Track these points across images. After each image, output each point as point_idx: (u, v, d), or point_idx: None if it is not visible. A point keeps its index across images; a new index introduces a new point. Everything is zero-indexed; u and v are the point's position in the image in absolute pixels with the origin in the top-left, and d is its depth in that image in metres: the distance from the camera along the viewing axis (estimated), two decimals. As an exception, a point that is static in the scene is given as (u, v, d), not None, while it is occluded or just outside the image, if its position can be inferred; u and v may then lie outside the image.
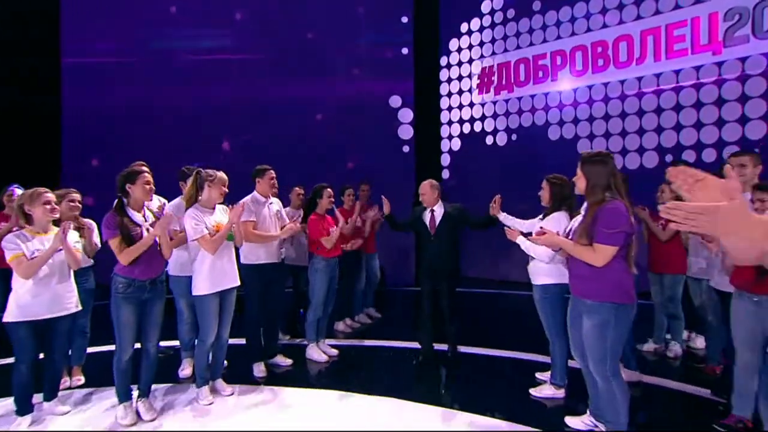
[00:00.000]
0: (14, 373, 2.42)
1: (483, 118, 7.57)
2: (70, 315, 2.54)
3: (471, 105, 7.70)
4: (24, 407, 2.47)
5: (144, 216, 2.59)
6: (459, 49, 7.84)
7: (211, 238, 2.68)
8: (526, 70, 7.12)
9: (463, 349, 3.65)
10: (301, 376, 3.32)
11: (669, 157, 5.52)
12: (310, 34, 7.45)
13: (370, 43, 7.54)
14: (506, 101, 7.32)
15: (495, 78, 7.47)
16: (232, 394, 2.95)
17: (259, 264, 3.20)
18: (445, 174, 7.93)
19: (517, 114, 7.21)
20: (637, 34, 5.91)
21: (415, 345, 3.66)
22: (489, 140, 7.49)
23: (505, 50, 7.34)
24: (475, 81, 7.66)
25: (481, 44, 7.60)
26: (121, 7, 7.13)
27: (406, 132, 7.56)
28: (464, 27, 7.74)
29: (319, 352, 3.59)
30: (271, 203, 3.40)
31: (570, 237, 2.21)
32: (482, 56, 7.59)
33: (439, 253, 3.52)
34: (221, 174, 2.87)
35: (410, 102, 7.55)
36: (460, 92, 7.83)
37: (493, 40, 7.46)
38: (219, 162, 6.74)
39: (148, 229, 2.53)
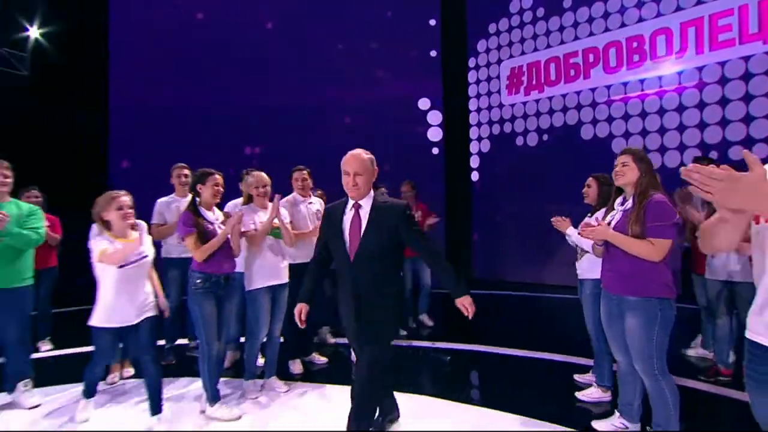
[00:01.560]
0: (88, 370, 2.50)
1: (513, 119, 7.47)
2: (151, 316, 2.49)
3: (500, 106, 7.62)
4: (91, 393, 2.59)
5: (215, 215, 2.70)
6: (487, 50, 7.78)
7: (252, 235, 2.76)
8: (557, 69, 7.00)
9: (503, 351, 3.59)
10: (336, 372, 3.34)
11: (714, 154, 5.27)
12: (340, 43, 7.59)
13: (398, 46, 7.60)
14: (536, 101, 7.20)
15: (525, 78, 7.37)
16: (288, 391, 2.99)
17: (295, 264, 3.24)
18: (475, 176, 7.86)
19: (548, 114, 7.08)
20: (677, 26, 5.70)
21: (464, 347, 3.62)
22: (519, 141, 7.38)
23: (535, 49, 7.24)
24: (504, 82, 7.58)
25: (510, 44, 7.53)
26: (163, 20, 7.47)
27: (435, 134, 7.57)
28: (492, 28, 7.69)
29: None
30: (310, 203, 3.46)
31: (615, 229, 2.13)
32: (511, 56, 7.52)
33: (358, 292, 2.86)
34: (258, 174, 2.94)
35: (439, 104, 7.56)
36: (489, 93, 7.77)
37: (522, 40, 7.38)
38: (250, 165, 6.96)
39: (220, 227, 2.62)
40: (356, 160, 2.04)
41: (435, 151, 7.56)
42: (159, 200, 3.57)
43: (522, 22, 7.29)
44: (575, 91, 6.81)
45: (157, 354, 2.48)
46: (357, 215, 2.06)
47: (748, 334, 1.15)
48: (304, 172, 3.46)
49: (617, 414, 2.38)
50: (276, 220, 2.82)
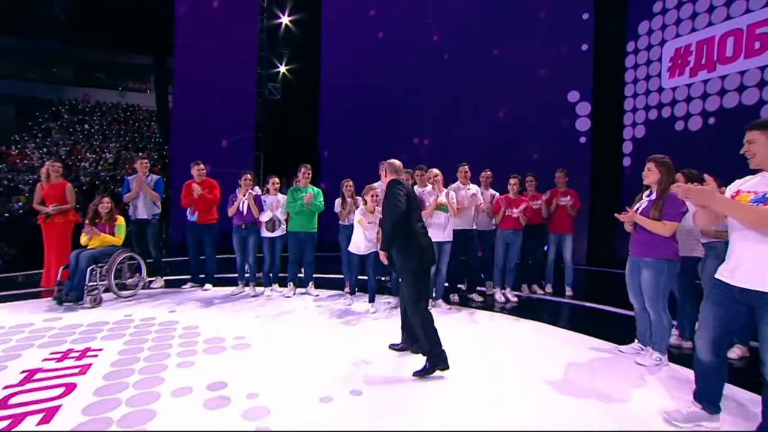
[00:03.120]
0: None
1: (673, 103, 7.07)
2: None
3: (660, 90, 7.28)
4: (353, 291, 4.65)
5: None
6: (649, 32, 7.49)
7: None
8: (736, 44, 6.34)
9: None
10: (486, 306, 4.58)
11: None
12: (497, 43, 8.54)
13: (550, 43, 8.09)
14: (704, 82, 6.67)
15: (692, 58, 6.88)
16: (450, 309, 4.36)
17: (456, 229, 4.43)
18: (627, 161, 7.74)
19: (717, 95, 6.50)
20: None
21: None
22: (679, 125, 6.97)
23: (710, 24, 6.68)
24: (667, 64, 7.20)
25: (678, 22, 7.10)
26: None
27: (583, 124, 7.83)
28: (658, 6, 7.36)
29: (500, 295, 4.73)
30: (468, 188, 4.59)
31: (641, 214, 2.90)
32: (677, 35, 7.09)
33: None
34: (431, 171, 4.28)
35: (588, 96, 7.76)
36: (648, 78, 7.48)
37: (693, 15, 6.89)
38: (421, 154, 8.75)
39: None
40: (382, 164, 3.25)
41: (582, 140, 7.82)
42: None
43: (695, -5, 6.79)
44: (759, 66, 6.09)
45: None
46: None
47: (716, 275, 2.01)
48: (466, 166, 4.66)
49: (636, 341, 3.16)
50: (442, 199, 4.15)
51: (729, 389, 2.36)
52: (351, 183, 4.69)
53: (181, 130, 8.85)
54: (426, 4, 9.09)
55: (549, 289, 5.29)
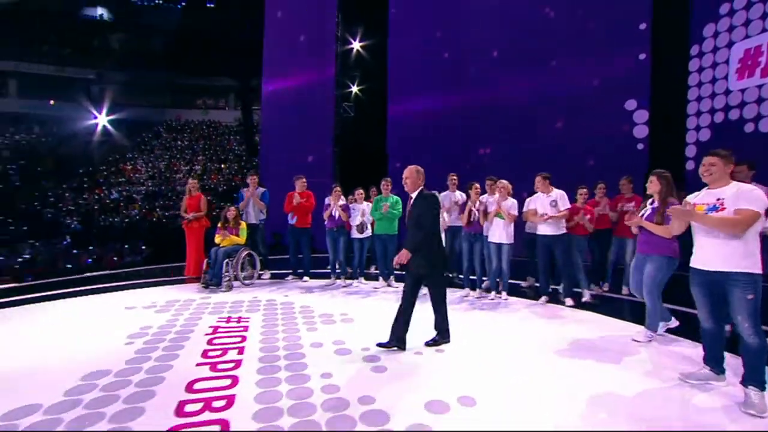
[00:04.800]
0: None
1: (742, 105, 7.11)
2: None
3: (726, 92, 7.33)
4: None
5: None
6: (715, 34, 7.55)
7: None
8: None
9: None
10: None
11: None
12: (553, 54, 9.01)
13: (607, 54, 8.39)
14: (776, 83, 6.68)
15: (763, 59, 6.90)
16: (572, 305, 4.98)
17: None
18: (690, 165, 7.82)
19: (791, 96, 6.50)
20: None
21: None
22: (749, 128, 6.99)
23: (784, 23, 6.69)
24: (735, 66, 7.24)
25: (747, 23, 7.14)
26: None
27: (640, 131, 8.05)
28: (725, 8, 7.42)
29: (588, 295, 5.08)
30: (550, 195, 4.82)
31: (646, 219, 3.47)
32: (747, 36, 7.12)
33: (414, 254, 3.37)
34: (501, 181, 4.98)
35: (645, 104, 7.97)
36: (714, 80, 7.54)
37: (764, 16, 6.92)
38: (482, 163, 9.36)
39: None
40: (407, 169, 3.50)
41: (640, 146, 8.03)
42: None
43: (765, -4, 6.83)
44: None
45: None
46: (409, 203, 3.48)
47: (690, 265, 2.69)
48: (544, 174, 4.93)
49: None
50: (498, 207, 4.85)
51: (730, 358, 2.87)
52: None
53: (269, 144, 10.30)
54: (484, 24, 9.75)
55: (606, 288, 5.74)
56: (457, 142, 9.94)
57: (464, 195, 5.76)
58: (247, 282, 5.79)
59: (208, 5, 34.92)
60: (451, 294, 5.23)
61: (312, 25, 10.20)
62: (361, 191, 5.87)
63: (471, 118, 9.84)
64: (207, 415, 2.37)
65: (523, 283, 5.71)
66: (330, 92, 10.03)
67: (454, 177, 5.91)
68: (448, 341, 3.52)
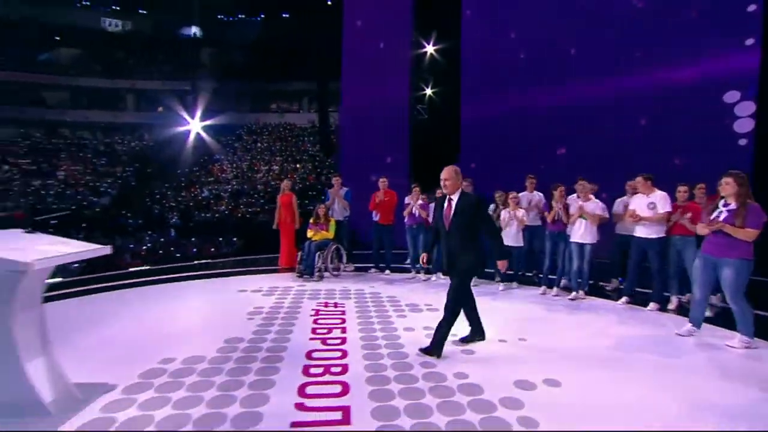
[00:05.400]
0: None
1: None
2: None
3: None
4: None
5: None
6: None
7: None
8: None
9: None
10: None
11: None
12: (641, 42, 8.54)
13: (703, 41, 7.87)
14: None
15: None
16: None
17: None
18: (802, 163, 7.12)
19: None
20: None
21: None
22: None
23: None
24: None
25: None
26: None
27: (742, 125, 7.46)
28: None
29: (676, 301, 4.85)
30: (648, 197, 4.64)
31: (723, 221, 3.42)
32: None
33: (450, 250, 3.35)
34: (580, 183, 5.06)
35: (751, 94, 7.36)
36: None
37: None
38: (560, 165, 9.21)
39: None
40: (446, 171, 3.40)
41: (742, 142, 7.45)
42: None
43: None
44: None
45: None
46: (449, 204, 3.38)
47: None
48: (642, 177, 4.72)
49: (689, 324, 3.83)
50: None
51: None
52: (502, 193, 5.80)
53: (346, 146, 11.01)
54: (560, 21, 9.57)
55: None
56: (532, 142, 9.87)
57: (542, 195, 5.88)
58: (335, 273, 6.41)
59: (283, 15, 37.49)
60: (526, 291, 5.42)
61: (389, 32, 10.71)
62: (440, 191, 6.19)
63: (547, 117, 9.71)
64: (328, 377, 2.89)
65: (608, 286, 5.65)
66: (405, 96, 10.48)
67: (533, 178, 6.03)
68: (483, 338, 3.54)
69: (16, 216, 17.98)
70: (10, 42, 27.48)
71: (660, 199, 4.60)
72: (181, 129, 26.50)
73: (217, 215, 19.32)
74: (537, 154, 9.62)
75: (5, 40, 27.14)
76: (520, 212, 5.55)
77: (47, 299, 2.72)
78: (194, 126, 26.53)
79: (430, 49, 11.21)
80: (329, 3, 18.38)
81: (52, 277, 3.29)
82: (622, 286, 5.24)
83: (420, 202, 6.24)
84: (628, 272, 4.89)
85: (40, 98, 28.54)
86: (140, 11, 36.17)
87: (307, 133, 28.35)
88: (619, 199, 5.42)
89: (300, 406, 2.48)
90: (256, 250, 10.03)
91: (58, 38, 30.63)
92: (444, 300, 3.38)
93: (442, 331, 3.26)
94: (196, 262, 8.91)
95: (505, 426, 2.29)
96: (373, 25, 10.90)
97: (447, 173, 3.39)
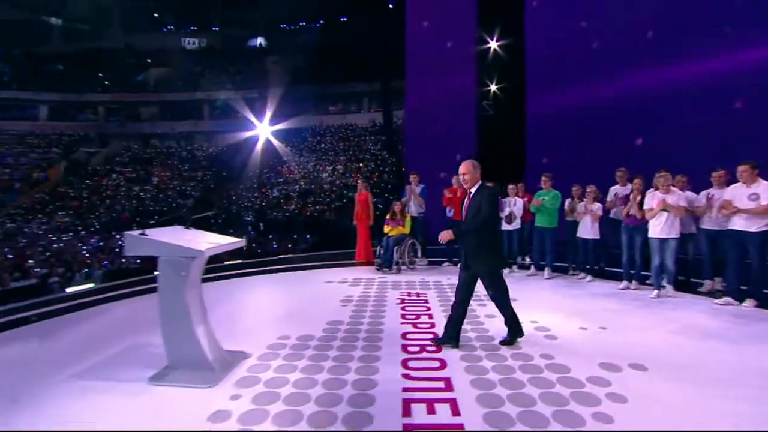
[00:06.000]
0: None
1: None
2: None
3: None
4: None
5: None
6: None
7: None
8: None
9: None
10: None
11: None
12: (728, 26, 7.98)
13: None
14: None
15: None
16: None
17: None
18: None
19: None
20: None
21: None
22: None
23: None
24: None
25: None
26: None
27: None
28: None
29: None
30: (749, 187, 4.39)
31: None
32: None
33: (467, 244, 3.38)
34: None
35: None
36: None
37: None
38: (637, 156, 8.82)
39: None
40: (464, 165, 3.40)
41: None
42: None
43: None
44: None
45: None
46: (468, 199, 3.42)
47: None
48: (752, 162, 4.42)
49: None
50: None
51: None
52: (579, 187, 5.86)
53: (413, 144, 11.36)
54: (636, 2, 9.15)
55: None
56: (606, 133, 9.55)
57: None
58: (411, 266, 6.82)
59: (341, 19, 38.74)
60: (603, 285, 5.45)
61: (454, 30, 10.89)
62: (512, 186, 6.38)
63: (621, 107, 9.34)
64: (425, 354, 3.29)
65: (705, 287, 5.12)
66: (471, 92, 10.60)
67: (623, 171, 5.77)
68: (522, 335, 3.51)
69: (123, 218, 20.70)
70: (115, 68, 31.79)
71: (765, 190, 4.30)
72: (251, 134, 28.52)
73: (287, 214, 20.67)
74: (612, 146, 9.30)
75: (111, 67, 31.34)
76: (596, 205, 5.58)
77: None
78: (263, 130, 28.42)
79: (493, 44, 11.22)
80: (390, 6, 18.79)
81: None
82: (719, 288, 4.94)
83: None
84: (728, 270, 4.59)
85: (136, 114, 32.30)
86: (213, 28, 39.44)
87: (368, 132, 29.18)
88: (703, 192, 5.14)
89: (406, 376, 2.90)
90: (327, 246, 10.76)
91: (149, 60, 34.45)
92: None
93: (507, 316, 3.45)
94: (280, 256, 9.78)
95: (594, 402, 2.52)
96: (438, 24, 11.15)
97: (465, 167, 3.40)
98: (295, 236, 16.29)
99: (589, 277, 5.72)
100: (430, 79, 11.03)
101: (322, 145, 29.05)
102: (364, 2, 27.92)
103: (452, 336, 3.42)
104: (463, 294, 3.44)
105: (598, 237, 5.62)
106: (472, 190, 3.39)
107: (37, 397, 2.74)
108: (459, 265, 3.52)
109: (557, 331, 3.74)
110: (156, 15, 38.50)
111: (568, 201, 5.90)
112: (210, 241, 3.12)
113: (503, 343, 3.45)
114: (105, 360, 3.32)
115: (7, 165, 25.07)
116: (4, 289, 6.34)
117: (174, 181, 26.14)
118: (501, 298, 3.44)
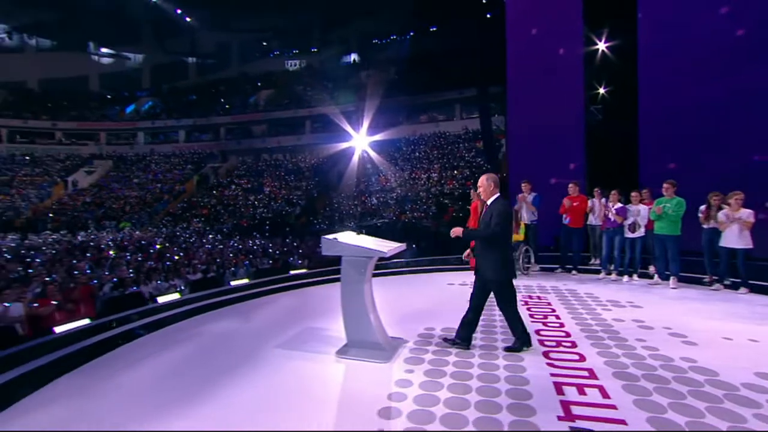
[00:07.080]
0: None
1: None
2: None
3: None
4: None
5: None
6: None
7: None
8: None
9: None
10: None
11: None
12: None
13: None
14: None
15: None
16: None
17: None
18: None
19: None
20: None
21: None
22: None
23: None
24: None
25: None
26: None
27: None
28: None
29: None
30: None
31: None
32: None
33: (477, 252, 3.63)
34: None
35: None
36: None
37: None
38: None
39: None
40: (481, 179, 3.75)
41: None
42: None
43: None
44: None
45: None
46: (486, 208, 3.70)
47: None
48: None
49: None
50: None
51: None
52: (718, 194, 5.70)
53: (516, 151, 11.48)
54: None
55: None
56: (740, 131, 8.71)
57: None
58: (525, 272, 7.11)
59: (431, 29, 39.53)
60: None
61: (560, 36, 10.81)
62: (636, 194, 6.32)
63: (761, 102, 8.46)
64: (563, 349, 3.67)
65: None
66: (580, 98, 10.43)
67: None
68: (529, 345, 3.65)
69: (242, 224, 23.77)
70: (233, 93, 37.10)
71: None
72: (349, 144, 30.52)
73: (386, 221, 21.82)
74: (748, 147, 8.48)
75: (230, 93, 36.56)
76: (745, 212, 5.33)
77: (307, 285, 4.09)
78: (360, 142, 30.24)
79: (601, 46, 10.89)
80: (488, 16, 18.98)
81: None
82: None
83: (618, 205, 6.43)
84: None
85: (249, 131, 36.86)
86: (312, 50, 43.13)
87: (461, 139, 29.39)
88: None
89: (551, 365, 3.34)
90: (428, 252, 11.33)
91: (259, 84, 39.18)
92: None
93: (513, 323, 3.68)
94: (397, 260, 10.61)
95: (755, 405, 2.70)
96: (542, 29, 11.17)
97: (480, 181, 3.75)
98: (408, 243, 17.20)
99: (743, 290, 5.46)
100: (534, 86, 11.07)
101: (416, 153, 29.95)
102: (456, 11, 28.38)
103: (464, 338, 3.74)
104: (477, 301, 3.75)
105: (750, 246, 5.37)
106: (488, 202, 3.68)
107: (253, 360, 3.68)
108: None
109: (695, 337, 3.82)
110: (264, 44, 43.51)
111: (702, 208, 5.72)
112: (382, 245, 3.89)
113: (509, 349, 3.65)
114: (292, 338, 4.27)
115: (159, 180, 30.48)
116: (193, 281, 8.01)
117: (282, 191, 29.12)
118: (506, 308, 3.68)
